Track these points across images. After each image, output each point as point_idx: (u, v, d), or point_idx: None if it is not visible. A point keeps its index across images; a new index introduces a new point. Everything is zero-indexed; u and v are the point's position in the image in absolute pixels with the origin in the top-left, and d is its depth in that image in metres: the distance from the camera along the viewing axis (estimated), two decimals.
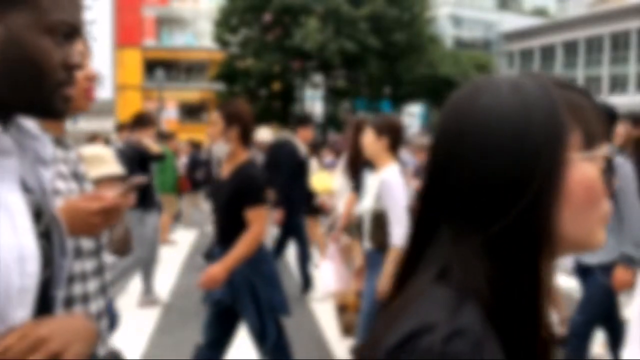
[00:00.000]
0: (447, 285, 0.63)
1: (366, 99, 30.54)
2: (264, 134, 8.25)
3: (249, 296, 2.99)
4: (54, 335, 0.90)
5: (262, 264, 3.02)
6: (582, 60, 43.36)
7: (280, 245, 6.18)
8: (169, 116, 28.80)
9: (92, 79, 1.67)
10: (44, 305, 0.97)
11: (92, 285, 1.63)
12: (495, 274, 0.62)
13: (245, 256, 2.92)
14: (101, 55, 26.28)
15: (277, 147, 6.32)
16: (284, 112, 29.03)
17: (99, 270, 1.68)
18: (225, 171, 3.08)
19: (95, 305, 1.63)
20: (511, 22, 50.41)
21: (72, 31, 0.92)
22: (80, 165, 1.73)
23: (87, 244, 1.63)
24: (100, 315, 1.66)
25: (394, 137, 3.33)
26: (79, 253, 1.60)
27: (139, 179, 1.72)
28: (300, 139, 6.08)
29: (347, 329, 4.33)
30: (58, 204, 1.48)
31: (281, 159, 6.05)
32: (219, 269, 2.88)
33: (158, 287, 6.09)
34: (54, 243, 1.00)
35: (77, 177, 1.67)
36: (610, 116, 3.15)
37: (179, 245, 9.04)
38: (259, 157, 8.38)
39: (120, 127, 7.99)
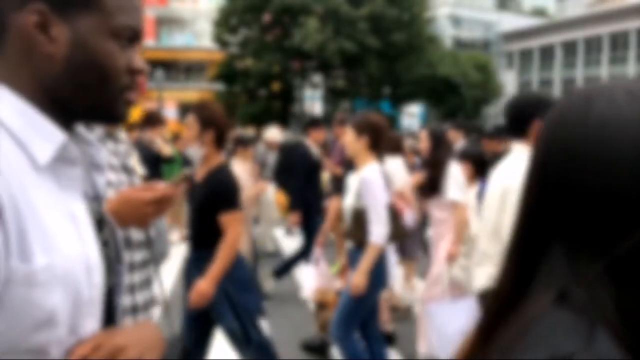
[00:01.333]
0: (569, 310, 0.58)
1: (366, 99, 30.54)
2: (274, 133, 8.28)
3: (225, 303, 2.99)
4: (130, 345, 0.90)
5: (234, 270, 2.99)
6: (581, 61, 43.38)
7: (308, 248, 6.21)
8: (168, 116, 28.77)
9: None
10: (109, 314, 0.97)
11: (138, 276, 1.65)
12: (623, 300, 0.57)
13: (227, 265, 2.92)
14: None
15: (290, 149, 6.35)
16: (283, 112, 29.05)
17: (145, 262, 1.69)
18: (199, 175, 3.06)
19: (142, 297, 1.65)
20: (510, 22, 50.43)
21: (135, 35, 0.92)
22: (130, 158, 1.75)
23: (136, 235, 1.64)
24: (146, 306, 1.68)
25: (375, 136, 3.33)
26: (128, 244, 1.62)
27: (189, 171, 1.78)
28: (312, 141, 6.12)
29: (322, 327, 4.37)
30: (110, 195, 1.50)
31: (295, 162, 6.08)
32: (206, 285, 2.88)
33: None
34: (113, 251, 1.00)
35: (127, 169, 1.70)
36: None
37: (179, 245, 9.04)
38: (270, 157, 8.37)
39: (130, 127, 7.93)
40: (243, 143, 6.11)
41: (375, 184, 3.25)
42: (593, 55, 42.65)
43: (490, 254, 2.62)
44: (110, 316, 0.98)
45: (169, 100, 30.51)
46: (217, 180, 2.97)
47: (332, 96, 30.82)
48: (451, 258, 3.90)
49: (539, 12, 58.17)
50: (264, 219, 7.40)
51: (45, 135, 0.84)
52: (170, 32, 35.56)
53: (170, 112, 29.33)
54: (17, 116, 0.83)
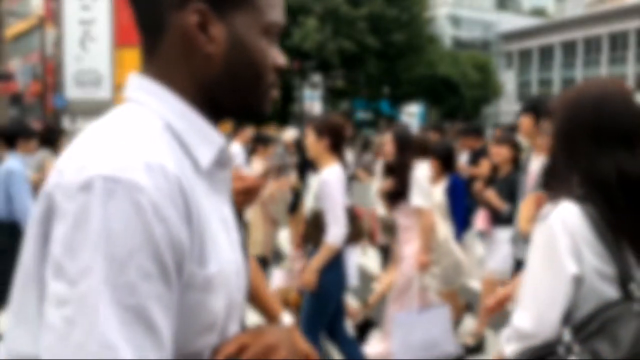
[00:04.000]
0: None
1: (365, 99, 30.56)
2: (292, 134, 8.31)
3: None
4: (280, 345, 0.88)
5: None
6: (581, 61, 43.41)
7: None
8: None
9: None
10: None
11: None
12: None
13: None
14: (100, 55, 26.28)
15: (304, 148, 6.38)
16: (282, 111, 29.05)
17: None
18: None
19: None
20: (510, 22, 50.47)
21: (279, 31, 0.91)
22: None
23: None
24: None
25: (335, 138, 3.31)
26: None
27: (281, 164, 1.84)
28: None
29: None
30: None
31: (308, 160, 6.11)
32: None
33: None
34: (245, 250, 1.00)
35: None
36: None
37: None
38: (288, 158, 8.43)
39: None
40: (263, 142, 6.12)
41: (334, 185, 3.23)
42: (592, 55, 42.69)
43: None
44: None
45: None
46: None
47: (332, 96, 30.83)
48: (423, 267, 3.73)
49: (539, 12, 58.21)
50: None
51: (205, 138, 0.83)
52: None
53: None
54: (180, 119, 0.82)
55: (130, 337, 0.66)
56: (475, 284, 5.24)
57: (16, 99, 34.81)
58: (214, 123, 0.86)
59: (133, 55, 32.38)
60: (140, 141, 0.74)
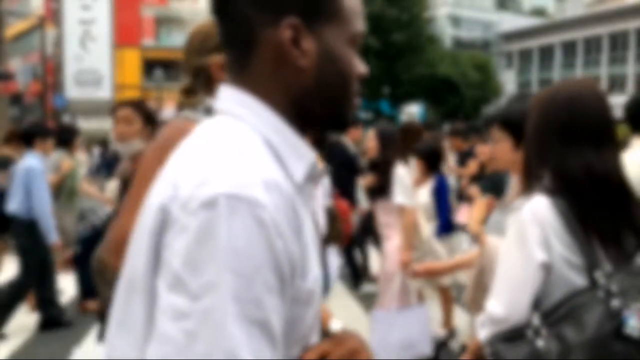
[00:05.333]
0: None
1: (365, 99, 30.55)
2: None
3: None
4: (362, 349, 0.89)
5: None
6: (581, 61, 43.41)
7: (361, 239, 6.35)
8: (168, 116, 28.84)
9: None
10: None
11: None
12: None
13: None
14: (100, 55, 26.27)
15: (329, 148, 6.42)
16: None
17: None
18: (130, 169, 3.05)
19: None
20: (510, 22, 50.47)
21: (361, 41, 0.92)
22: None
23: None
24: None
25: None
26: None
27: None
28: (350, 139, 6.20)
29: None
30: None
31: (335, 159, 6.14)
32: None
33: None
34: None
35: None
36: None
37: None
38: None
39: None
40: None
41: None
42: (592, 56, 42.69)
43: None
44: None
45: (169, 99, 30.52)
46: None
47: None
48: (405, 266, 3.71)
49: (539, 12, 58.21)
50: None
51: (298, 152, 0.83)
52: (169, 32, 35.55)
53: (169, 112, 29.36)
54: (276, 133, 0.82)
55: (256, 349, 0.68)
56: (464, 276, 5.25)
57: (16, 99, 34.80)
58: (301, 134, 0.87)
59: (132, 55, 32.44)
60: (252, 157, 0.76)
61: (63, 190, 5.25)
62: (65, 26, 26.55)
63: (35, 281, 4.81)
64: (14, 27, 35.42)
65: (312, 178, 0.86)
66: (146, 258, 0.75)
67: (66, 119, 20.92)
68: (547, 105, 1.50)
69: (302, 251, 0.77)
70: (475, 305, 1.98)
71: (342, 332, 0.94)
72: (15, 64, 36.24)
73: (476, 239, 2.12)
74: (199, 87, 1.66)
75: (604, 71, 41.36)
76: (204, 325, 0.67)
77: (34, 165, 4.71)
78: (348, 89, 0.88)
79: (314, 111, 0.87)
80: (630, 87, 38.81)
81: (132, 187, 1.54)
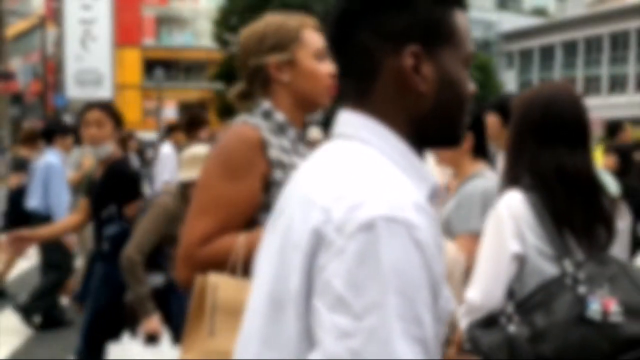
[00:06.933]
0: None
1: None
2: (316, 133, 8.38)
3: None
4: None
5: None
6: (582, 60, 43.39)
7: None
8: (168, 115, 28.82)
9: (334, 77, 1.61)
10: None
11: None
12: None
13: None
14: (100, 55, 26.26)
15: None
16: None
17: None
18: (99, 172, 3.11)
19: None
20: (510, 22, 50.43)
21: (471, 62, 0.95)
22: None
23: None
24: None
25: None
26: None
27: None
28: None
29: None
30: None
31: None
32: None
33: None
34: None
35: None
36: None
37: None
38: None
39: (170, 129, 7.36)
40: None
41: None
42: (593, 55, 42.67)
43: None
44: None
45: (169, 99, 30.52)
46: (115, 173, 3.06)
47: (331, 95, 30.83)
48: None
49: (539, 12, 58.23)
50: None
51: (421, 176, 0.86)
52: (170, 32, 35.58)
53: (170, 112, 29.35)
54: (401, 157, 0.85)
55: None
56: None
57: (17, 99, 34.82)
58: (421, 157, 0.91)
59: (133, 55, 32.46)
60: (398, 180, 0.80)
61: (82, 188, 5.29)
62: (65, 26, 26.54)
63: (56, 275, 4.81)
64: (15, 27, 35.43)
65: (432, 198, 0.89)
66: (299, 279, 0.77)
67: (67, 118, 20.92)
68: (525, 106, 1.61)
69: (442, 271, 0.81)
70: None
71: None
72: (16, 64, 36.25)
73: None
74: (255, 89, 1.65)
75: (604, 71, 41.34)
76: (370, 343, 0.70)
77: (54, 162, 4.74)
78: (464, 109, 0.91)
79: (432, 132, 0.90)
80: (631, 87, 38.79)
81: (195, 195, 1.50)
